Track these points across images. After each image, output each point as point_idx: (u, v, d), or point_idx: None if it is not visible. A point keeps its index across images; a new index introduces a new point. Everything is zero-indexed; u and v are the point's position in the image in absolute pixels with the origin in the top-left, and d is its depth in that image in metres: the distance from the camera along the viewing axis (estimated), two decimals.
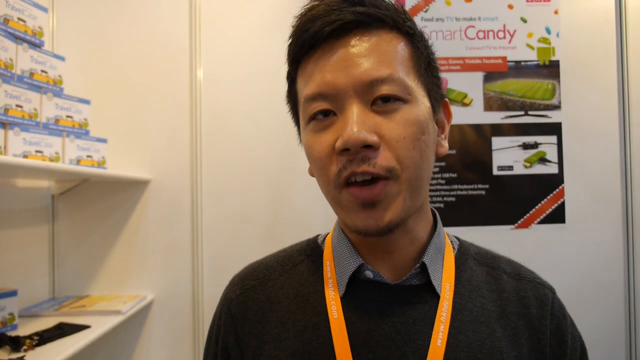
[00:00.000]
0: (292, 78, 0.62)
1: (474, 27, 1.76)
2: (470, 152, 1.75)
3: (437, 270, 0.61)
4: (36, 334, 1.21)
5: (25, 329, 1.26)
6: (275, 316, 0.62)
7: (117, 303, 1.52)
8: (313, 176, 0.62)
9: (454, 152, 1.75)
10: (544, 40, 1.77)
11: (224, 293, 0.69)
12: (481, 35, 1.76)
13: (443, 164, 1.75)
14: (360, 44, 0.53)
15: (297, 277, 0.65)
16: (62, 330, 1.25)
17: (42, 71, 1.29)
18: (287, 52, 0.59)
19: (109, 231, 1.69)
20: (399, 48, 0.55)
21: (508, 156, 1.75)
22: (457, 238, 0.70)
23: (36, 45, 1.26)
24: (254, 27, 1.74)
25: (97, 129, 1.53)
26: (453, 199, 1.75)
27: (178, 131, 1.71)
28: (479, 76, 1.76)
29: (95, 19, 1.71)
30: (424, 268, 0.61)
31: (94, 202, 1.69)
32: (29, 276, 1.56)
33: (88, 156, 1.43)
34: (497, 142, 1.75)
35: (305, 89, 0.56)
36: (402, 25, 0.56)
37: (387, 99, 0.53)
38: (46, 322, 1.33)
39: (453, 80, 1.76)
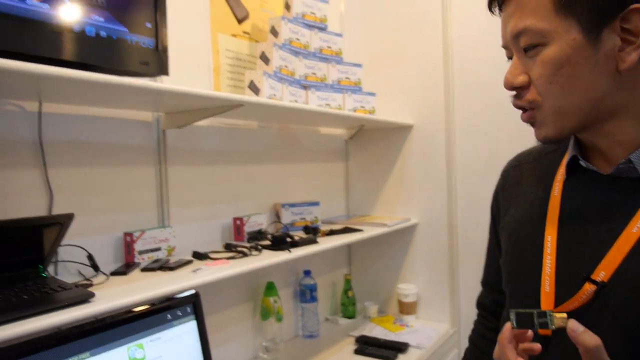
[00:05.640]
0: None
1: None
2: None
3: None
4: (329, 230, 1.77)
5: (323, 227, 1.85)
6: (521, 188, 0.84)
7: (387, 220, 1.98)
8: None
9: None
10: None
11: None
12: None
13: None
14: (510, 3, 0.66)
15: (546, 163, 0.82)
16: (344, 230, 1.78)
17: (328, 47, 1.81)
18: None
19: (384, 167, 2.16)
20: None
21: None
22: None
23: (322, 29, 1.79)
24: None
25: (367, 86, 1.99)
26: None
27: (434, 83, 2.01)
28: None
29: (368, 2, 2.16)
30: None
31: (372, 145, 2.19)
32: (331, 197, 2.19)
33: (361, 107, 1.90)
34: None
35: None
36: None
37: (527, 48, 0.65)
38: (338, 226, 1.89)
39: None
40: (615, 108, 0.65)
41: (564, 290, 0.65)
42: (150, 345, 1.07)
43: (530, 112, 0.67)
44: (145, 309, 1.07)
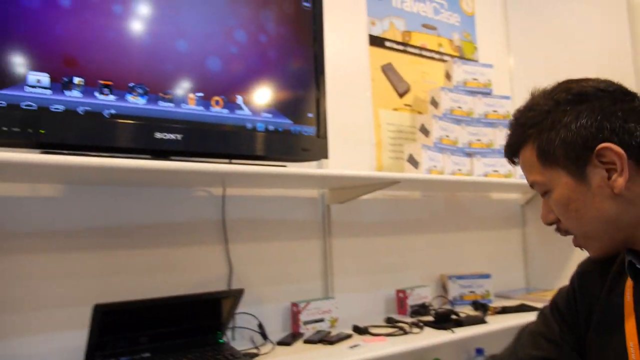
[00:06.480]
0: None
1: None
2: None
3: None
4: (502, 307, 1.62)
5: (496, 303, 1.70)
6: (593, 293, 0.81)
7: None
8: None
9: None
10: None
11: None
12: None
13: None
14: (519, 162, 0.79)
15: (615, 267, 0.80)
16: (519, 307, 1.60)
17: (494, 111, 1.73)
18: None
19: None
20: (529, 156, 0.76)
21: None
22: None
23: (487, 94, 1.73)
24: None
25: None
26: None
27: None
28: None
29: (539, 60, 2.02)
30: None
31: None
32: (506, 268, 2.00)
33: None
34: None
35: None
36: (528, 136, 0.75)
37: (542, 194, 0.77)
38: (513, 302, 1.71)
39: None
40: (636, 220, 0.71)
41: None
42: None
43: (573, 239, 0.77)
44: None
